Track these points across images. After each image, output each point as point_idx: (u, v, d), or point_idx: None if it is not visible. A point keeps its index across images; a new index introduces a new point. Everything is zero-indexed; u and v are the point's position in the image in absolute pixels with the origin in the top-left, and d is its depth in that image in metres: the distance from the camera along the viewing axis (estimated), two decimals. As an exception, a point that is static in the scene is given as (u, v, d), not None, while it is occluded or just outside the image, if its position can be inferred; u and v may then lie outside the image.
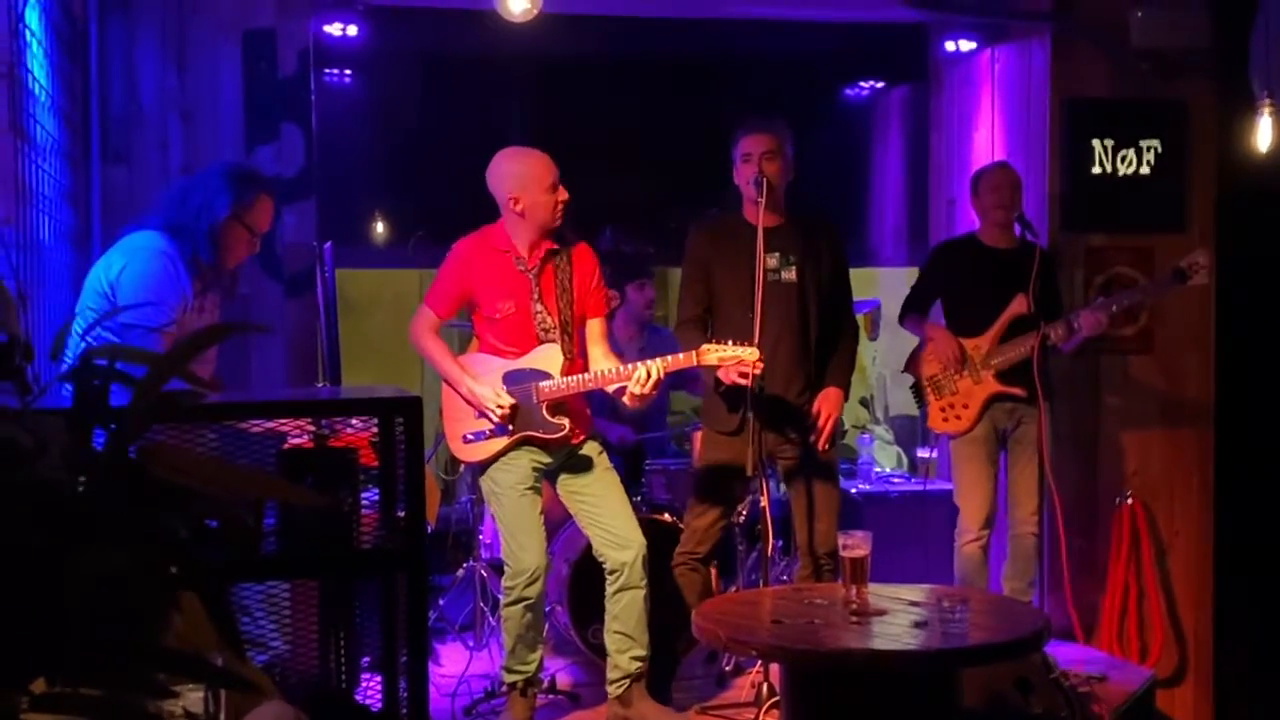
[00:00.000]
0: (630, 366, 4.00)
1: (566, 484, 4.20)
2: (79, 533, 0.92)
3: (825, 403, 4.30)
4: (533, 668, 4.14)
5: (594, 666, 4.64)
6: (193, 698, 1.85)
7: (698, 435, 4.75)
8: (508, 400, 4.02)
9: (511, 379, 4.06)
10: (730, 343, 3.96)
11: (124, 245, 3.50)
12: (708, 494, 4.37)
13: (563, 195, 4.07)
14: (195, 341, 1.15)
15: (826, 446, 4.30)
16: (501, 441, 4.07)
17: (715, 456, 4.36)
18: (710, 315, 4.37)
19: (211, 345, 1.63)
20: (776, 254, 4.24)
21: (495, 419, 4.02)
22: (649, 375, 3.93)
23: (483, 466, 4.16)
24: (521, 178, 4.06)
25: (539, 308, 4.10)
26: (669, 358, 3.99)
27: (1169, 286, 4.92)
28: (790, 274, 4.28)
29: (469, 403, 4.07)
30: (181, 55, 4.65)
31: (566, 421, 4.06)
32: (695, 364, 3.99)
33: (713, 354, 3.95)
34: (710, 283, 4.35)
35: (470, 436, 4.11)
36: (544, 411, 4.05)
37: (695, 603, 4.12)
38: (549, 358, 4.08)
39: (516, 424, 4.05)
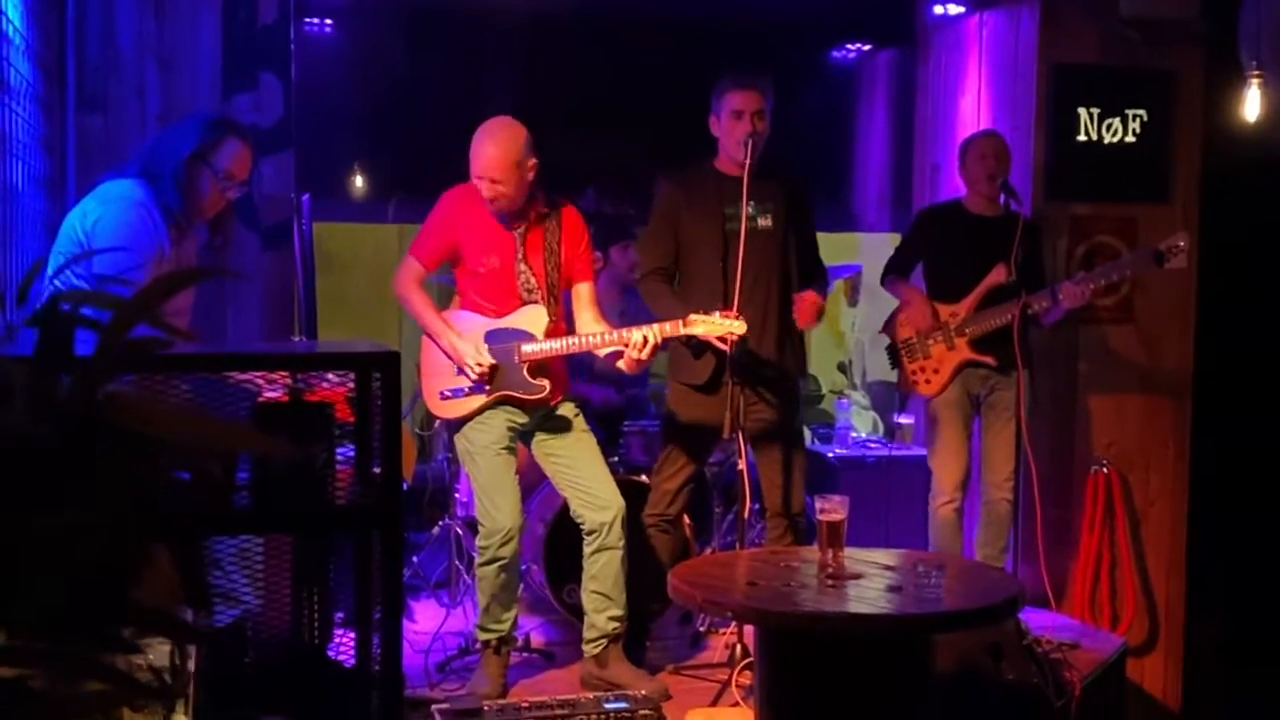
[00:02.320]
0: (622, 332, 3.97)
1: (543, 445, 4.18)
2: (42, 485, 0.89)
3: (806, 298, 4.24)
4: (506, 627, 4.13)
5: (569, 625, 4.64)
6: (159, 652, 1.83)
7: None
8: (488, 360, 3.99)
9: (494, 338, 4.04)
10: (717, 314, 3.94)
11: (100, 193, 3.45)
12: (679, 454, 4.37)
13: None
14: (164, 285, 1.12)
15: (806, 322, 4.26)
16: (479, 399, 4.05)
17: (686, 415, 4.35)
18: (676, 267, 4.33)
19: (182, 289, 1.59)
20: (752, 201, 4.21)
21: (473, 377, 4.00)
22: (646, 342, 3.91)
23: (459, 424, 4.13)
24: (472, 160, 4.01)
25: (522, 266, 4.07)
26: (658, 325, 3.96)
27: (1148, 266, 4.92)
28: (767, 220, 4.26)
29: (449, 357, 4.04)
30: (160, 1, 4.57)
31: (546, 383, 4.04)
32: (680, 333, 3.96)
33: (699, 325, 3.93)
34: (678, 234, 4.32)
35: (448, 393, 4.08)
36: (524, 372, 4.03)
37: (669, 564, 4.12)
38: (534, 318, 4.05)
39: (495, 383, 4.03)
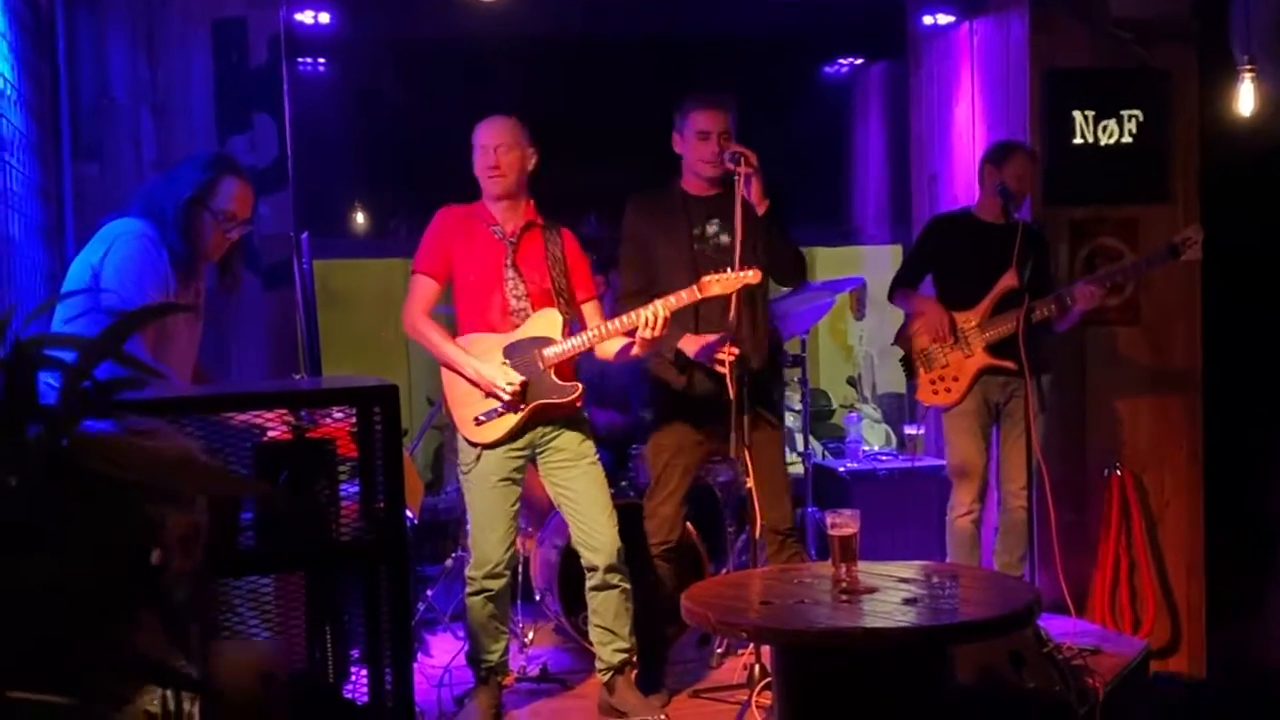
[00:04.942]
0: (631, 315, 3.94)
1: (550, 473, 4.16)
2: (13, 537, 0.87)
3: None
4: (495, 658, 4.12)
5: (585, 653, 4.62)
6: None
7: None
8: (517, 378, 3.98)
9: (512, 352, 4.03)
10: (728, 270, 3.92)
11: (104, 232, 3.45)
12: (668, 478, 4.33)
13: (491, 160, 4.03)
14: (127, 323, 1.10)
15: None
16: (514, 418, 4.03)
17: (669, 437, 4.33)
18: (651, 289, 4.28)
19: (145, 326, 1.57)
20: (716, 221, 4.20)
21: (506, 398, 3.97)
22: (654, 317, 3.88)
23: (493, 446, 4.10)
24: (477, 138, 4.10)
25: (511, 274, 4.06)
26: (671, 297, 3.93)
27: (1163, 261, 4.89)
28: (725, 237, 4.23)
29: (475, 385, 4.03)
30: (151, 47, 4.59)
31: (578, 384, 4.04)
32: (698, 298, 3.94)
33: (715, 285, 3.91)
34: (649, 256, 4.30)
35: (482, 418, 4.06)
36: (552, 376, 4.02)
37: (677, 588, 4.07)
38: (548, 323, 4.05)
39: (527, 397, 4.02)
